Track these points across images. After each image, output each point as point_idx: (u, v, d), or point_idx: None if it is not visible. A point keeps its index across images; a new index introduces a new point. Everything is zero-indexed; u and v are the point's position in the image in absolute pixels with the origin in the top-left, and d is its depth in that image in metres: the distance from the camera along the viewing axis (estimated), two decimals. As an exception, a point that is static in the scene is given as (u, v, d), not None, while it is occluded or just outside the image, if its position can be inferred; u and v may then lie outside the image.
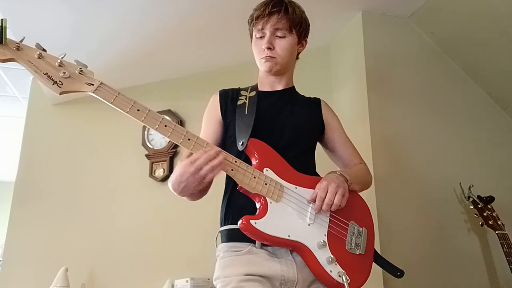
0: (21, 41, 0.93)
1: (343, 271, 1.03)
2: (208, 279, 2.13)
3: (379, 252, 1.19)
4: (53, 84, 0.93)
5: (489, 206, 1.83)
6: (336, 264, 1.04)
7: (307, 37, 1.30)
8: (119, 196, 2.54)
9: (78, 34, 2.21)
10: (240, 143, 1.11)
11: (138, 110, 0.99)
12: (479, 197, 1.87)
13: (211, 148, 1.01)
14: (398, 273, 1.15)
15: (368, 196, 1.79)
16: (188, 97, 2.53)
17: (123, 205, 2.51)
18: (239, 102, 1.23)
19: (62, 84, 0.94)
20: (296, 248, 1.05)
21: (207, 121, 1.26)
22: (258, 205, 1.05)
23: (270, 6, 1.19)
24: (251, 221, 0.99)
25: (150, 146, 2.53)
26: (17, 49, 0.93)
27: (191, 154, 1.01)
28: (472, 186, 1.89)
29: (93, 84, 0.97)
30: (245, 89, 1.28)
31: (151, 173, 2.51)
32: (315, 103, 1.35)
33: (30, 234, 2.56)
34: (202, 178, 0.98)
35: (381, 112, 1.93)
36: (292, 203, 1.06)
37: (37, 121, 2.80)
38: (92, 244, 2.46)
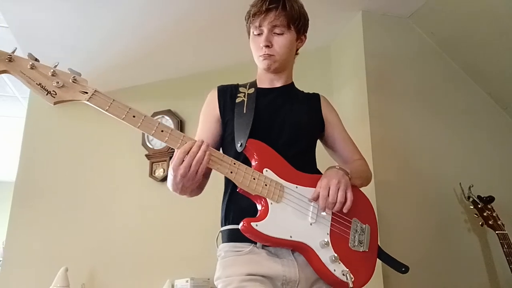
0: (13, 52, 0.92)
1: (347, 269, 1.02)
2: (208, 279, 2.13)
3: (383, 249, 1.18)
4: (46, 95, 0.93)
5: (489, 206, 1.83)
6: (339, 263, 1.03)
7: (306, 32, 1.27)
8: (119, 196, 2.54)
9: (78, 34, 2.21)
10: (239, 144, 1.10)
11: (133, 116, 0.99)
12: (479, 197, 1.87)
13: (190, 144, 0.99)
14: (403, 269, 1.14)
15: (368, 196, 1.79)
16: (188, 97, 2.53)
17: (123, 205, 2.51)
18: (237, 100, 1.21)
19: (55, 94, 0.94)
20: (298, 248, 1.04)
21: (205, 119, 1.24)
22: (259, 207, 1.04)
23: (267, 2, 1.16)
24: (252, 223, 0.98)
25: (150, 146, 2.53)
26: (9, 61, 0.91)
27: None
28: (472, 186, 1.89)
29: (87, 92, 0.97)
30: (244, 86, 1.26)
31: (151, 173, 2.51)
32: (315, 99, 1.33)
33: (30, 234, 2.56)
34: (195, 174, 0.98)
35: (381, 112, 1.93)
36: (293, 203, 1.05)
37: (37, 121, 2.80)
38: (92, 244, 2.46)
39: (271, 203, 1.02)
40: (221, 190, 1.22)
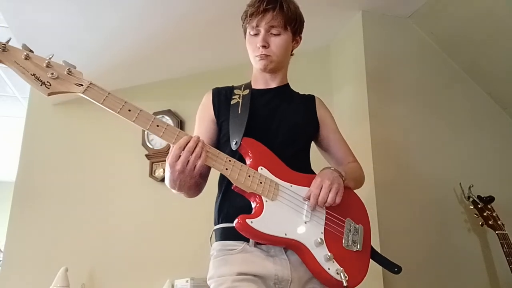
0: (8, 42, 0.91)
1: (341, 268, 1.02)
2: (208, 279, 2.12)
3: (376, 249, 1.19)
4: (41, 85, 0.91)
5: (489, 206, 1.84)
6: (334, 262, 1.03)
7: (301, 33, 1.28)
8: (119, 196, 2.53)
9: (78, 34, 2.21)
10: (234, 142, 1.10)
11: (129, 110, 0.97)
12: (479, 197, 1.87)
13: (186, 139, 0.98)
14: (396, 269, 1.14)
15: (368, 196, 1.80)
16: (188, 97, 2.53)
17: (123, 205, 2.51)
18: (232, 102, 1.21)
19: (50, 85, 0.92)
20: (292, 246, 1.04)
21: (200, 120, 1.25)
22: (253, 204, 1.03)
23: (265, 3, 1.17)
24: (247, 220, 0.98)
25: (150, 146, 2.53)
26: (3, 50, 0.90)
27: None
28: (472, 186, 1.89)
29: (82, 85, 0.95)
30: (239, 88, 1.27)
31: (151, 173, 2.51)
32: (310, 100, 1.33)
33: (30, 234, 2.56)
34: (192, 170, 0.98)
35: (381, 112, 1.93)
36: (288, 201, 1.05)
37: (37, 121, 2.80)
38: (92, 244, 2.46)
39: (266, 201, 1.02)
40: (221, 190, 1.22)
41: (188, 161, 0.97)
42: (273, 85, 1.28)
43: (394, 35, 2.10)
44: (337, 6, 2.06)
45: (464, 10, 1.93)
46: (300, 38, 1.29)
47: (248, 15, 1.20)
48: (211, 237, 1.15)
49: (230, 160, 1.03)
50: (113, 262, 2.41)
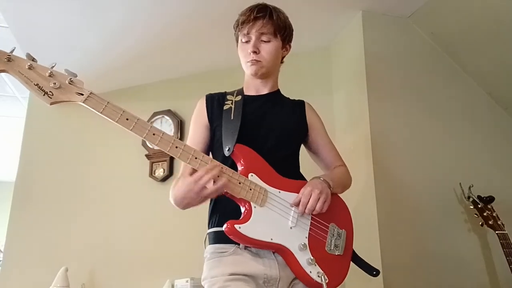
0: (12, 51, 0.95)
1: (322, 271, 1.09)
2: (208, 279, 2.12)
3: (356, 252, 1.22)
4: (43, 95, 0.95)
5: (489, 206, 1.83)
6: (315, 265, 1.09)
7: (291, 41, 1.34)
8: (119, 196, 2.54)
9: (78, 34, 2.21)
10: (227, 149, 1.15)
11: (127, 119, 1.01)
12: (479, 197, 1.87)
13: (212, 165, 1.04)
14: (374, 272, 1.19)
15: (367, 196, 1.80)
16: (188, 97, 2.53)
17: (123, 205, 2.51)
18: (225, 107, 1.26)
19: (52, 95, 0.96)
20: (278, 250, 1.10)
21: (195, 126, 1.30)
22: (242, 210, 1.09)
23: (255, 11, 1.23)
24: (235, 225, 1.04)
25: (150, 146, 2.53)
26: (8, 60, 0.93)
27: (194, 171, 1.07)
28: (472, 186, 1.89)
29: (83, 94, 0.99)
30: (231, 94, 1.32)
31: (151, 173, 2.52)
32: (300, 105, 1.38)
33: (30, 234, 2.56)
34: (205, 197, 1.05)
35: (381, 112, 1.93)
36: (275, 207, 1.11)
37: (37, 121, 2.80)
38: (92, 244, 2.46)
39: (255, 207, 1.08)
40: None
41: (206, 187, 1.02)
42: (264, 91, 1.33)
43: (394, 35, 2.10)
44: (337, 6, 2.06)
45: (464, 10, 1.93)
46: (290, 46, 1.35)
47: (239, 23, 1.26)
48: (205, 240, 1.21)
49: (222, 168, 1.07)
50: (113, 262, 2.41)
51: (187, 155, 1.05)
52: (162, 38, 2.27)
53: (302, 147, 1.36)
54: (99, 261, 2.43)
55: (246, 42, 1.26)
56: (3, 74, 0.93)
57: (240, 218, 1.07)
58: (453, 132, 2.05)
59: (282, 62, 1.36)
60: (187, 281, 2.11)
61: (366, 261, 1.21)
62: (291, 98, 1.40)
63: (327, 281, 1.07)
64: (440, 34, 2.11)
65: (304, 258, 1.09)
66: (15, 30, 2.13)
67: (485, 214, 1.81)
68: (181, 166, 1.25)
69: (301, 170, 1.30)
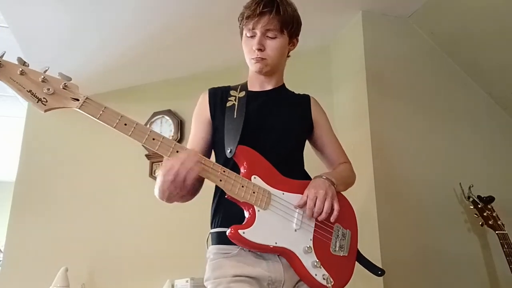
0: (1, 56, 0.89)
1: (327, 274, 1.07)
2: (208, 279, 2.12)
3: (361, 252, 1.21)
4: (37, 102, 0.90)
5: (489, 206, 1.83)
6: (321, 268, 1.07)
7: (298, 35, 1.28)
8: (119, 196, 2.54)
9: (78, 34, 2.21)
10: (229, 151, 1.11)
11: (125, 124, 0.97)
12: (479, 197, 1.87)
13: (185, 153, 1.00)
14: (379, 272, 1.17)
15: (368, 196, 1.80)
16: (188, 97, 2.50)
17: (123, 205, 2.51)
18: (228, 104, 1.22)
19: (46, 102, 0.91)
20: (283, 253, 1.08)
21: (197, 122, 1.26)
22: (246, 214, 1.06)
23: (261, 6, 1.16)
24: (239, 230, 1.02)
25: (150, 146, 2.53)
26: None
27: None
28: (472, 186, 1.89)
29: (78, 99, 0.94)
30: (235, 89, 1.27)
31: (151, 173, 2.52)
32: (305, 100, 1.34)
33: (30, 234, 2.56)
34: (182, 182, 0.98)
35: (381, 112, 1.93)
36: (279, 209, 1.09)
37: (37, 121, 2.80)
38: (92, 244, 2.46)
39: (258, 210, 1.06)
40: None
41: (180, 173, 0.97)
42: (268, 87, 1.28)
43: (394, 35, 2.10)
44: (337, 6, 2.05)
45: (464, 10, 1.93)
46: (297, 40, 1.29)
47: (244, 17, 1.19)
48: (207, 240, 1.18)
49: (224, 171, 1.05)
50: (113, 262, 2.41)
51: None
52: (162, 38, 2.27)
53: (307, 143, 1.33)
54: (99, 261, 2.43)
55: (251, 37, 1.20)
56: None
57: (244, 222, 1.05)
58: (453, 132, 2.05)
59: (288, 56, 1.31)
60: (187, 281, 2.11)
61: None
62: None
63: (332, 283, 1.06)
64: (440, 34, 2.11)
65: (309, 261, 1.07)
66: (15, 30, 2.13)
67: (485, 214, 1.81)
68: None
69: (305, 168, 1.27)
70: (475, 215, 1.84)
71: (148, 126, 2.43)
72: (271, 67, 1.23)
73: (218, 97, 1.26)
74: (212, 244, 1.15)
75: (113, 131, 1.00)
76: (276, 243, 1.05)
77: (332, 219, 1.09)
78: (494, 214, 1.81)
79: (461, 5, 1.92)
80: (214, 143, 1.23)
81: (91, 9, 2.02)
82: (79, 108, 0.94)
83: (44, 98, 0.91)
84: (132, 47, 2.33)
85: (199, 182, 1.18)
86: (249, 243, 1.02)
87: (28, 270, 2.48)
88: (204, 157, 1.04)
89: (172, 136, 2.42)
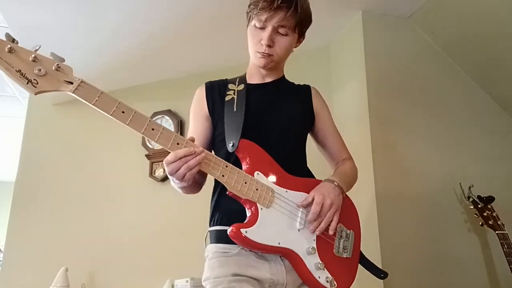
0: None
1: (331, 276, 1.04)
2: (208, 279, 2.12)
3: (364, 254, 1.20)
4: (27, 83, 0.81)
5: (489, 206, 1.83)
6: (324, 270, 1.04)
7: (305, 33, 1.24)
8: (119, 196, 2.53)
9: (78, 34, 2.21)
10: (231, 145, 1.06)
11: (123, 112, 0.90)
12: (479, 197, 1.87)
13: (185, 151, 0.96)
14: (382, 275, 1.15)
15: (368, 195, 1.80)
16: (188, 97, 2.49)
17: (123, 205, 2.51)
18: (227, 98, 1.17)
19: (37, 83, 0.82)
20: (285, 254, 1.04)
21: (195, 118, 1.22)
22: (248, 212, 1.02)
23: (279, 0, 1.08)
24: (241, 230, 0.97)
25: (150, 146, 2.53)
26: None
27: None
28: (472, 186, 1.89)
29: (72, 83, 0.86)
30: (233, 82, 1.22)
31: (151, 173, 2.51)
32: (306, 91, 1.30)
33: (30, 234, 2.56)
34: (181, 177, 0.95)
35: (381, 112, 1.93)
36: (282, 208, 1.04)
37: (37, 121, 2.80)
38: (92, 244, 2.46)
39: (261, 208, 1.01)
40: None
41: (179, 169, 0.95)
42: (268, 79, 1.24)
43: (394, 35, 2.10)
44: (337, 6, 2.05)
45: (464, 10, 1.93)
46: (304, 38, 1.25)
47: (258, 7, 1.10)
48: (205, 238, 1.14)
49: (227, 166, 1.00)
50: (113, 262, 2.41)
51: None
52: (162, 38, 2.27)
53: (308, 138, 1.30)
54: (99, 261, 2.42)
55: (260, 28, 1.12)
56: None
57: (246, 221, 1.00)
58: (453, 132, 2.05)
59: (292, 51, 1.25)
60: (187, 281, 2.11)
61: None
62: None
63: (335, 286, 1.03)
64: (440, 34, 2.11)
65: (312, 262, 1.03)
66: (15, 30, 2.13)
67: (485, 214, 1.81)
68: None
69: (308, 164, 1.25)
70: (475, 215, 1.84)
71: (148, 126, 2.42)
72: (276, 64, 1.19)
73: (215, 91, 1.22)
74: (211, 243, 1.11)
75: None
76: (279, 243, 1.01)
77: (330, 231, 1.06)
78: (494, 214, 1.81)
79: (461, 5, 1.92)
80: (214, 139, 1.20)
81: (91, 9, 2.02)
82: (73, 92, 0.86)
83: (34, 79, 0.83)
84: (132, 47, 2.33)
85: (202, 176, 1.15)
86: (252, 243, 0.98)
87: (28, 270, 2.48)
88: (206, 150, 0.99)
89: (173, 132, 2.41)
